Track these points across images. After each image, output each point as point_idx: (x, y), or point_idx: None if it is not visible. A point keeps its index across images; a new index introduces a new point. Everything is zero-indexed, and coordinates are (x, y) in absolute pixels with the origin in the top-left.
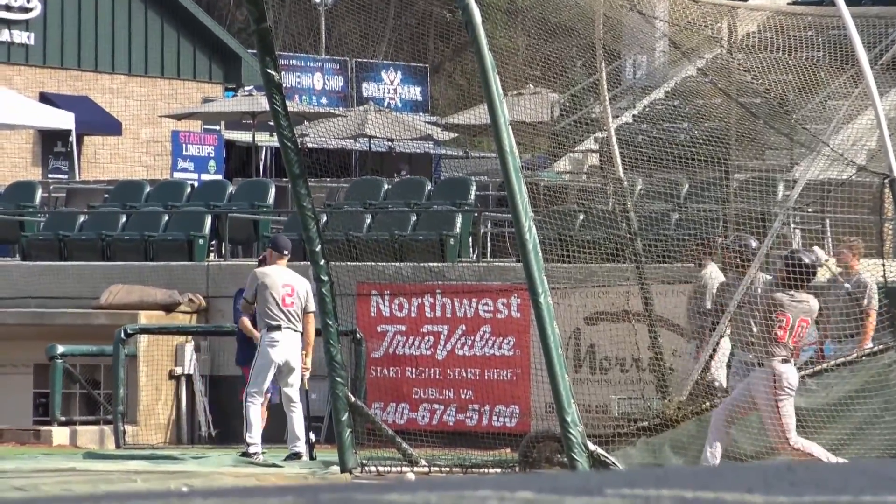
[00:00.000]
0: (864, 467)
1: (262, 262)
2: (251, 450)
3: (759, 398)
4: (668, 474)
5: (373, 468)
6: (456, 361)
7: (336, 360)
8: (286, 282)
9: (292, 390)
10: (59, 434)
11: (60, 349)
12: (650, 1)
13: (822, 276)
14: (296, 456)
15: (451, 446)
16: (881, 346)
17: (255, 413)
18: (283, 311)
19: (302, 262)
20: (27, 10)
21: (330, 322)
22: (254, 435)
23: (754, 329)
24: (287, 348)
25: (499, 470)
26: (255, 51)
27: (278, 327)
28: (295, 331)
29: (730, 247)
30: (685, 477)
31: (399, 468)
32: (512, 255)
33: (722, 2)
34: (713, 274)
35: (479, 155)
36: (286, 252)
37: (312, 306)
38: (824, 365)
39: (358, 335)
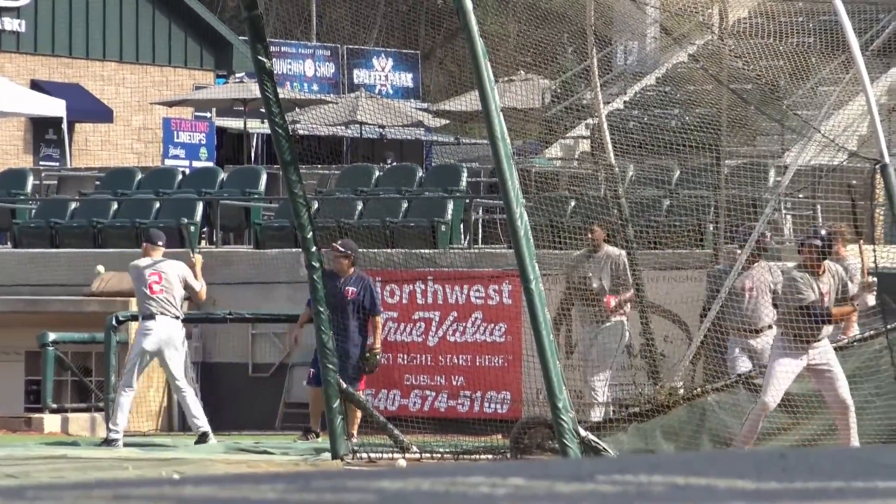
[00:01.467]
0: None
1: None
2: (111, 436)
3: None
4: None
5: (364, 455)
6: (447, 348)
7: (327, 346)
8: (153, 269)
9: (179, 377)
10: (51, 421)
11: (52, 336)
12: None
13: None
14: (204, 437)
15: (442, 433)
16: (872, 332)
17: (125, 402)
18: (153, 299)
19: (293, 249)
20: None
21: (321, 309)
22: (118, 423)
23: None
24: (162, 336)
25: (490, 456)
26: (246, 38)
27: (151, 316)
28: (173, 317)
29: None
30: (677, 463)
31: (391, 455)
32: (503, 242)
33: None
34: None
35: (471, 141)
36: (160, 243)
37: (197, 284)
38: None
39: None
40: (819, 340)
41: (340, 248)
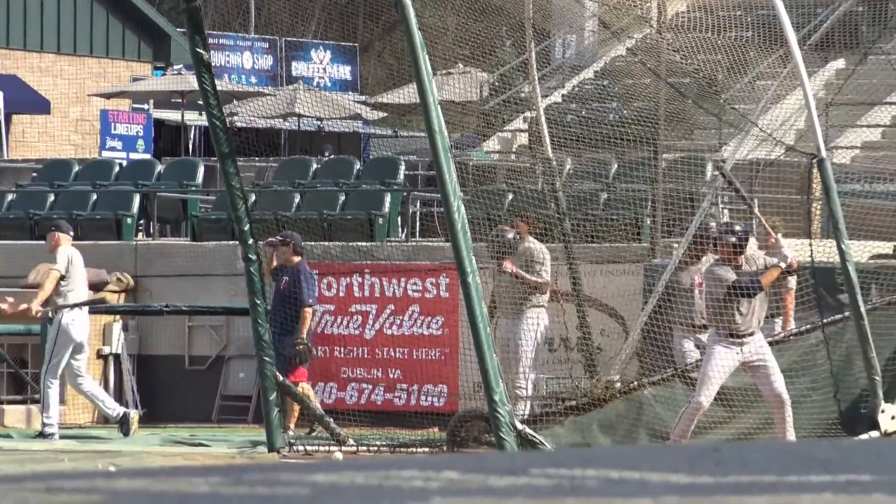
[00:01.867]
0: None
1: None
2: (48, 430)
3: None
4: (594, 455)
5: (301, 448)
6: (384, 341)
7: (264, 339)
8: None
9: (82, 365)
10: None
11: None
12: None
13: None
14: (125, 419)
15: (379, 426)
16: (808, 326)
17: (55, 393)
18: (82, 291)
19: (231, 242)
20: None
21: (258, 301)
22: (52, 415)
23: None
24: (86, 327)
25: (427, 449)
26: (184, 30)
27: (79, 306)
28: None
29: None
30: (611, 457)
31: (327, 448)
32: (441, 235)
33: None
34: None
35: (409, 134)
36: (70, 234)
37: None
38: None
39: None
40: (752, 335)
41: (279, 238)
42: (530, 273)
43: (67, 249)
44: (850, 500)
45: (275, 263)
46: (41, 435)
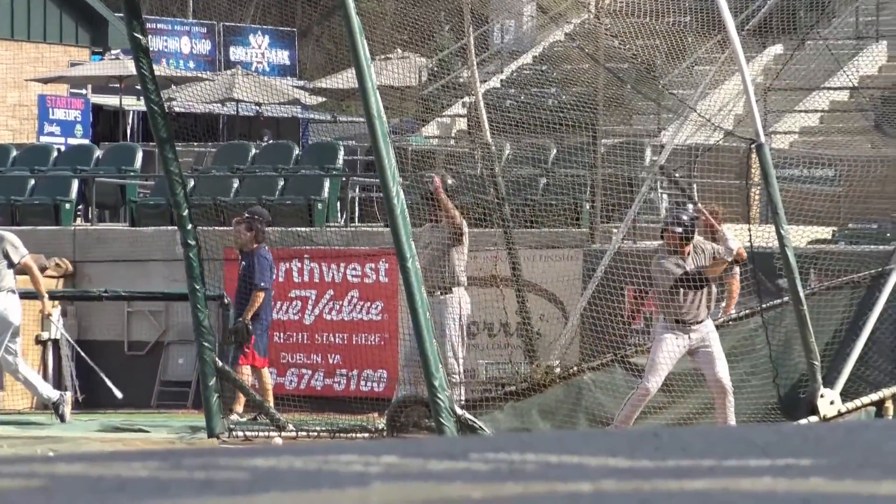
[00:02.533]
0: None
1: None
2: (56, 401)
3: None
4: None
5: (240, 433)
6: (324, 326)
7: (203, 325)
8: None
9: (18, 349)
10: None
11: None
12: None
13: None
14: (59, 405)
15: (319, 411)
16: (748, 311)
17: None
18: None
19: (169, 227)
20: None
21: (197, 287)
22: (43, 389)
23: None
24: (20, 311)
25: (367, 435)
26: (122, 14)
27: (14, 290)
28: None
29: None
30: (550, 442)
31: (267, 433)
32: (380, 220)
33: None
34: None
35: (348, 119)
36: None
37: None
38: None
39: (225, 300)
40: (700, 322)
41: (244, 220)
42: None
43: None
44: (790, 484)
45: (237, 242)
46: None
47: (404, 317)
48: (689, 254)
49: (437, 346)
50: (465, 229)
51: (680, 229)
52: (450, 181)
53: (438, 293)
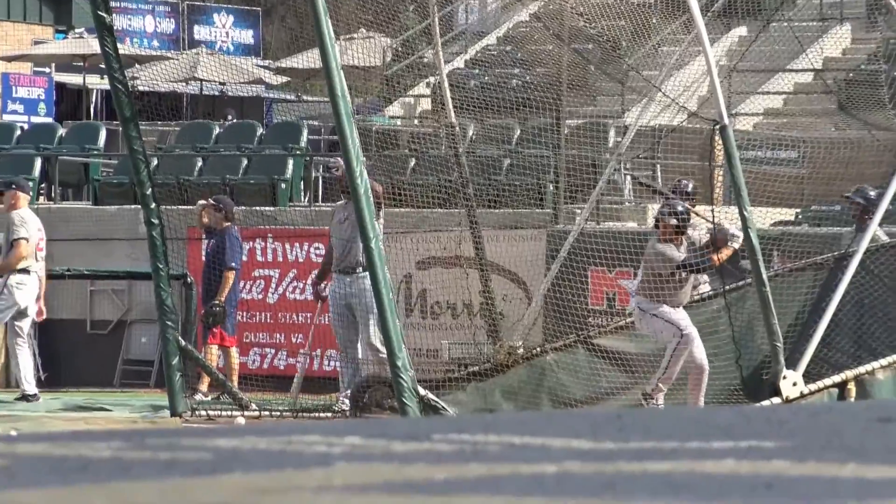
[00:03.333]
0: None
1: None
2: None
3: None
4: (496, 420)
5: (203, 412)
6: (287, 306)
7: (166, 304)
8: (40, 225)
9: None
10: None
11: None
12: None
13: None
14: (28, 398)
15: (282, 391)
16: (711, 292)
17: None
18: (36, 254)
19: (133, 206)
20: None
21: (160, 266)
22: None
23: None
24: (35, 291)
25: (330, 415)
26: None
27: (28, 270)
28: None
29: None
30: (513, 423)
31: (230, 413)
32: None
33: None
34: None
35: (311, 99)
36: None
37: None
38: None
39: (188, 279)
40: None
41: (212, 201)
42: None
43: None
44: (752, 466)
45: (206, 220)
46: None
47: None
48: (682, 244)
49: (400, 327)
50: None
51: (674, 220)
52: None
53: (360, 270)
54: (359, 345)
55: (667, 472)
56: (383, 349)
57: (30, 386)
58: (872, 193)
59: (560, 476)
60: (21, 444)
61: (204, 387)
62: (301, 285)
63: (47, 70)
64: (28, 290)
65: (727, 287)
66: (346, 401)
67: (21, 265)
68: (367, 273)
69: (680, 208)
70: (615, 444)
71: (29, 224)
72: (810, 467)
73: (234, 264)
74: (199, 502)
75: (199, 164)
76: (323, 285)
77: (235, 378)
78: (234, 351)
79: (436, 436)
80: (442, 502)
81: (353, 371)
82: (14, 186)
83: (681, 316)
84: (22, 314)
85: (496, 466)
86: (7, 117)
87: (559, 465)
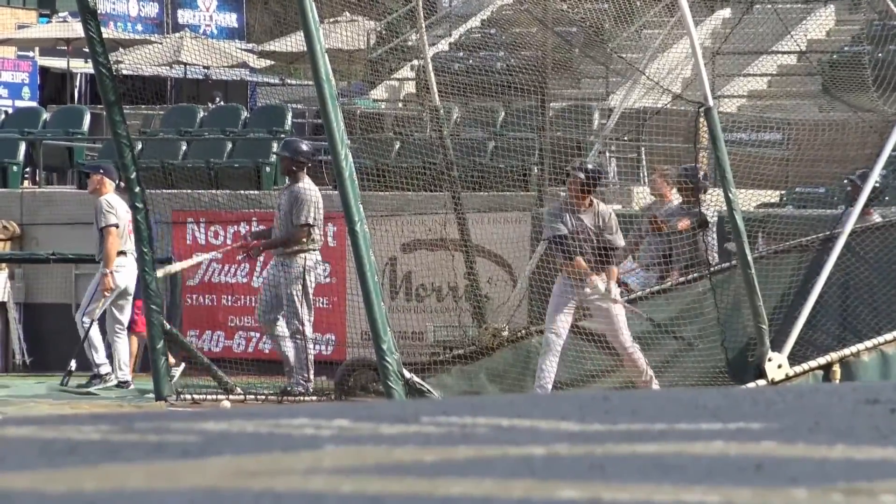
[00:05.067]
0: (679, 396)
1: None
2: (102, 370)
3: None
4: (484, 403)
5: (188, 396)
6: None
7: (151, 287)
8: (126, 207)
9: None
10: None
11: None
12: None
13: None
14: (124, 384)
15: (267, 374)
16: (696, 274)
17: (97, 334)
18: (128, 238)
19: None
20: None
21: (145, 250)
22: (101, 356)
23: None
24: (132, 274)
25: (315, 398)
26: None
27: (124, 252)
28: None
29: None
30: (501, 405)
31: (215, 396)
32: (328, 183)
33: None
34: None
35: (296, 82)
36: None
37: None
38: (639, 293)
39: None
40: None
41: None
42: (295, 212)
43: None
44: (741, 447)
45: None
46: (96, 377)
47: (352, 279)
48: (588, 206)
49: (385, 310)
50: (310, 197)
51: (582, 175)
52: (304, 147)
53: (290, 255)
54: (282, 324)
55: (656, 454)
56: (308, 329)
57: (123, 374)
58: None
59: (548, 458)
60: (8, 427)
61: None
62: None
63: (31, 54)
64: (127, 272)
65: (712, 269)
66: (303, 384)
67: (121, 248)
68: (296, 258)
69: (590, 167)
70: (603, 425)
71: (117, 209)
72: (799, 449)
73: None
74: (188, 485)
75: (184, 148)
76: (254, 243)
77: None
78: (133, 337)
79: (424, 418)
80: (431, 484)
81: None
82: (102, 171)
83: (557, 292)
84: (122, 299)
85: (485, 448)
86: None
87: (547, 447)
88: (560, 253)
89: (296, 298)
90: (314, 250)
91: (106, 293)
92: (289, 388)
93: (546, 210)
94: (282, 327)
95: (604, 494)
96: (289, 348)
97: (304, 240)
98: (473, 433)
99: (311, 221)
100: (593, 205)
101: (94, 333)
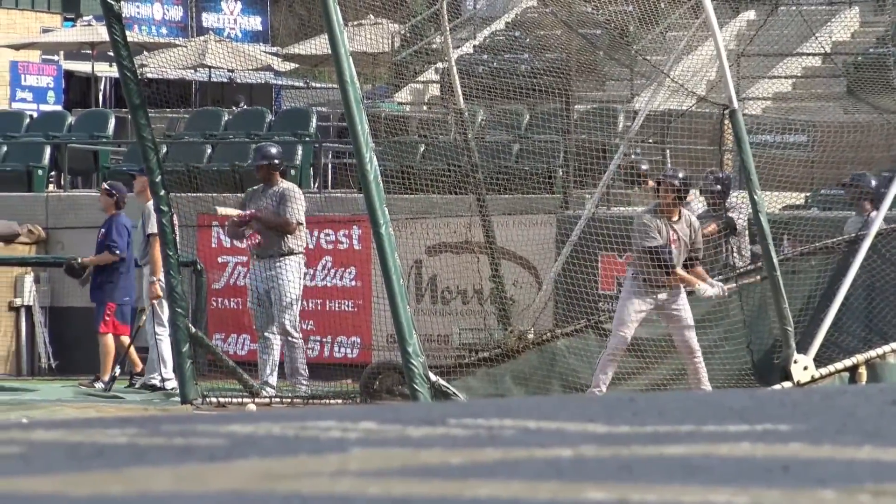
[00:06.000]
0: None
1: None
2: (168, 385)
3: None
4: (511, 405)
5: (214, 399)
6: None
7: (177, 291)
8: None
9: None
10: None
11: None
12: None
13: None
14: (153, 387)
15: (285, 378)
16: (722, 277)
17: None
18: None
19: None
20: None
21: (171, 253)
22: (169, 370)
23: None
24: None
25: (340, 401)
26: None
27: None
28: None
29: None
30: (528, 407)
31: (240, 400)
32: (353, 186)
33: None
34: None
35: (321, 85)
36: None
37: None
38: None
39: (199, 266)
40: (669, 286)
41: (105, 186)
42: (289, 213)
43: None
44: (768, 449)
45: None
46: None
47: (378, 282)
48: (679, 218)
49: (410, 313)
50: (293, 198)
51: (677, 182)
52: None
53: (279, 257)
54: (275, 329)
55: (683, 456)
56: (297, 335)
57: (160, 375)
58: (873, 182)
59: (575, 460)
60: (35, 430)
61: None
62: (311, 272)
63: (56, 58)
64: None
65: (738, 271)
66: (268, 388)
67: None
68: (284, 260)
69: (681, 174)
70: (630, 427)
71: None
72: (826, 450)
73: (118, 251)
74: (215, 488)
75: (209, 151)
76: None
77: (110, 362)
78: (109, 339)
79: (451, 420)
80: (458, 487)
81: (269, 358)
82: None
83: (630, 308)
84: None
85: (512, 451)
86: (16, 105)
87: (575, 449)
88: (659, 265)
89: (296, 299)
90: (302, 252)
91: (154, 301)
92: (296, 390)
93: (636, 219)
94: (279, 329)
95: (631, 496)
96: (297, 349)
97: (297, 237)
98: (500, 435)
99: (302, 220)
100: (682, 214)
101: (165, 345)
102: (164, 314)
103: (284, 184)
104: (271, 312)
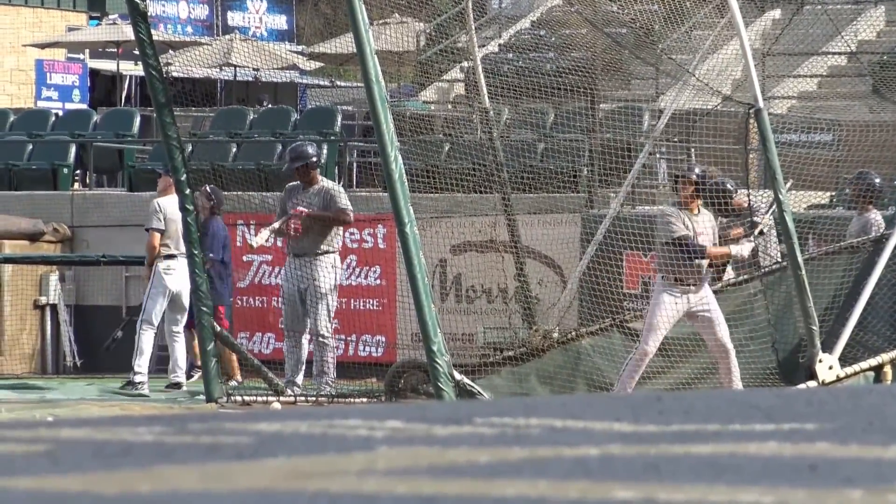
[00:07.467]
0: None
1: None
2: (136, 378)
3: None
4: (537, 404)
5: (238, 398)
6: None
7: (201, 289)
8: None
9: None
10: None
11: None
12: None
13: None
14: (176, 385)
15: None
16: (746, 276)
17: (148, 341)
18: (180, 239)
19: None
20: None
21: (195, 251)
22: (142, 363)
23: None
24: (183, 276)
25: (365, 400)
26: None
27: (174, 256)
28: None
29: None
30: (554, 406)
31: (265, 398)
32: (378, 185)
33: None
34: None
35: (346, 84)
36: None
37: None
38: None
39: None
40: (698, 282)
41: (207, 189)
42: (342, 206)
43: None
44: (795, 448)
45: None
46: (129, 384)
47: (402, 281)
48: (699, 212)
49: (435, 311)
50: (336, 196)
51: (695, 177)
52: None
53: (315, 256)
54: (305, 328)
55: (710, 455)
56: (329, 335)
57: (176, 376)
58: (877, 181)
59: (603, 459)
60: (63, 429)
61: (238, 376)
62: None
63: (81, 56)
64: (177, 276)
65: (764, 270)
66: (294, 387)
67: (167, 251)
68: (320, 259)
69: (698, 170)
70: (657, 426)
71: (168, 211)
72: (853, 449)
73: (211, 254)
74: (242, 486)
75: (234, 150)
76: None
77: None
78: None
79: (477, 419)
80: (485, 485)
81: (297, 357)
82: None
83: (664, 305)
84: (176, 302)
85: (539, 449)
86: (42, 104)
87: (601, 447)
88: (687, 255)
89: (332, 299)
90: (337, 251)
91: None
92: (320, 390)
93: (659, 215)
94: (311, 329)
95: (659, 495)
96: (327, 350)
97: (334, 236)
98: (527, 434)
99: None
100: (701, 209)
101: (147, 339)
102: (181, 316)
103: (326, 182)
104: (302, 311)
